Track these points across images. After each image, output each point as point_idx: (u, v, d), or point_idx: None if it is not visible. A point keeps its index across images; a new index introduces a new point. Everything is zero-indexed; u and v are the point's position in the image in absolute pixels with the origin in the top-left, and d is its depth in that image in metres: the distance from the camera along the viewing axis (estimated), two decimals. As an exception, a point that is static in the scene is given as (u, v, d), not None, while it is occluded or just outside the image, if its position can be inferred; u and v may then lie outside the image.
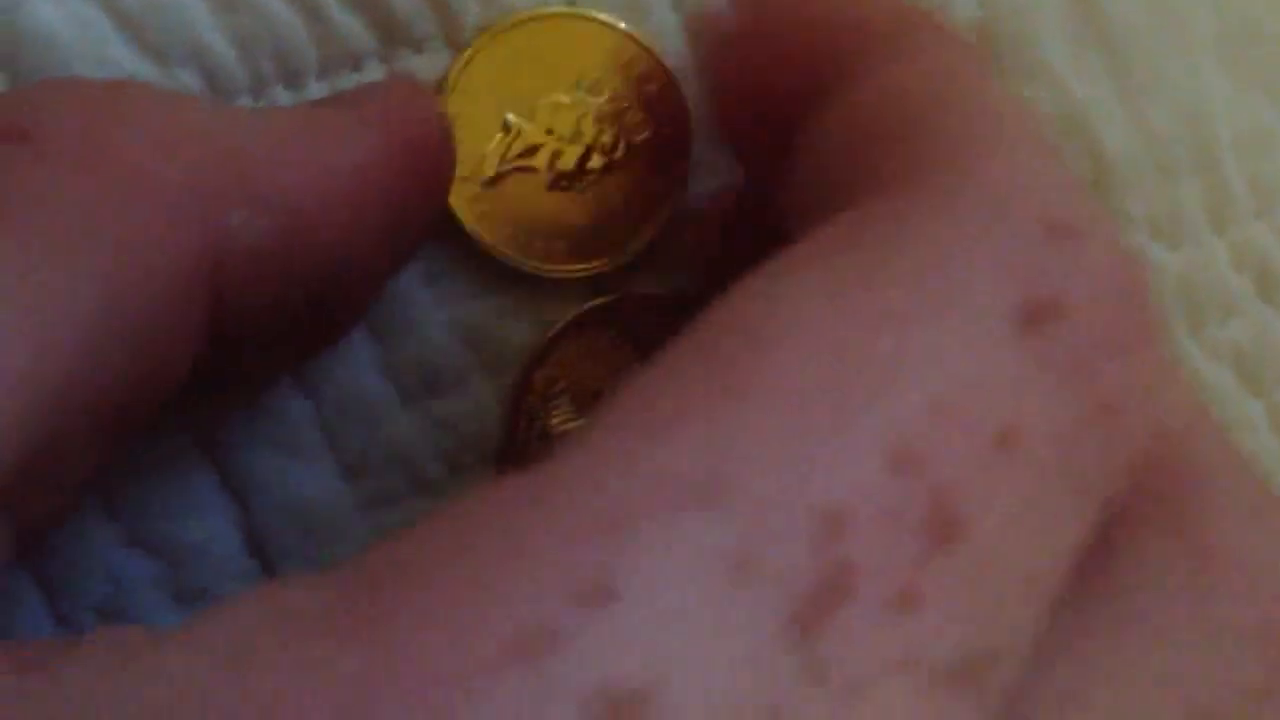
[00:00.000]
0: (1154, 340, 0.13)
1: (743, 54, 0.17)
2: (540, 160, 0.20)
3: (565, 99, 0.20)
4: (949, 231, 0.12)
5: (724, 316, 0.12)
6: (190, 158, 0.15)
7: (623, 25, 0.20)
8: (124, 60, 0.18)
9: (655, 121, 0.20)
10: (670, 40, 0.20)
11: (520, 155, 0.20)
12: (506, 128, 0.20)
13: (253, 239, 0.15)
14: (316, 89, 0.19)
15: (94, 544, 0.19)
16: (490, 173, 0.20)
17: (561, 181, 0.20)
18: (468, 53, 0.19)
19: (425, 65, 0.19)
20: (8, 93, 0.17)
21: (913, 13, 0.15)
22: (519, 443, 0.20)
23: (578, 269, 0.20)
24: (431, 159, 0.18)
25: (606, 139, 0.20)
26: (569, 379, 0.20)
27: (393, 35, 0.19)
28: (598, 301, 0.20)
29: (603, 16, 0.20)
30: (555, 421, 0.20)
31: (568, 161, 0.20)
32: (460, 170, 0.19)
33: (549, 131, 0.20)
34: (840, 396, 0.11)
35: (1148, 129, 0.21)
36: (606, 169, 0.20)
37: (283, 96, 0.19)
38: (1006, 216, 0.12)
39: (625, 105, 0.20)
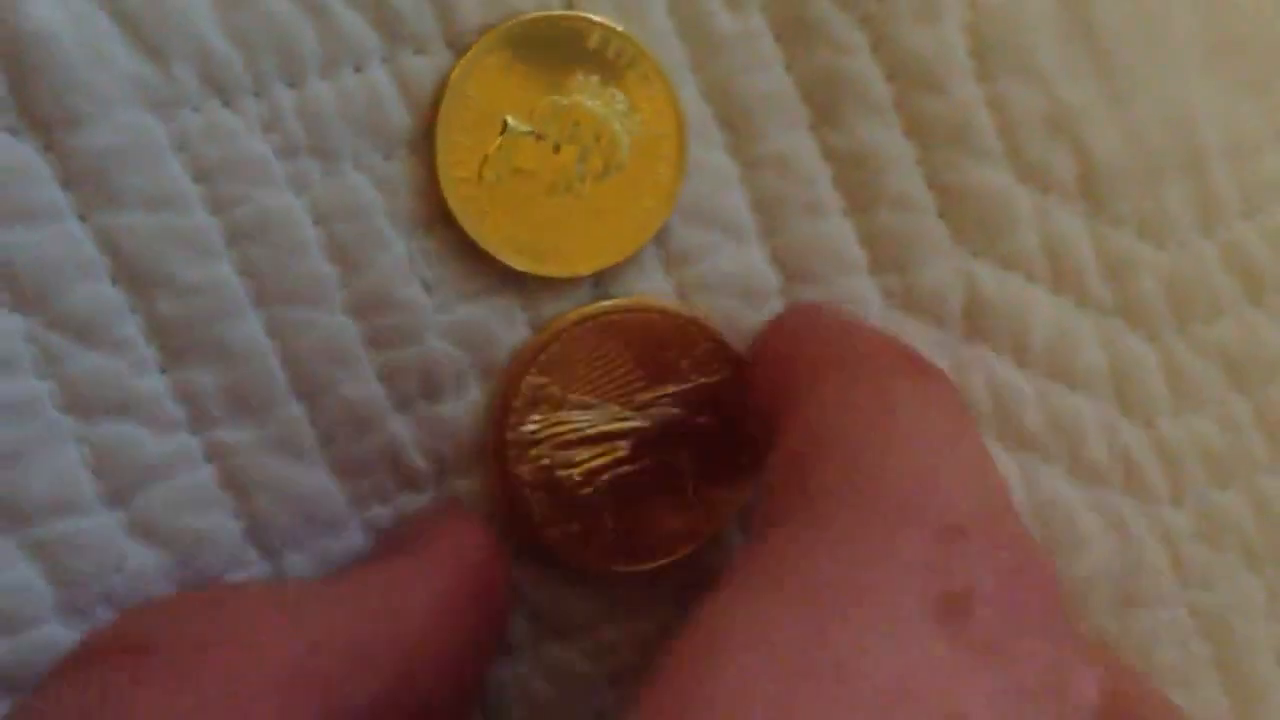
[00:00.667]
0: (1063, 616, 0.14)
1: (763, 358, 0.19)
2: (538, 161, 0.20)
3: (564, 100, 0.20)
4: (861, 547, 0.14)
5: (683, 645, 0.13)
6: (275, 656, 0.16)
7: (619, 27, 0.20)
8: (122, 58, 0.19)
9: (653, 123, 0.20)
10: (666, 43, 0.20)
11: (519, 157, 0.20)
12: (505, 129, 0.20)
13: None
14: (318, 88, 0.19)
15: (101, 535, 0.19)
16: (489, 174, 0.20)
17: (560, 183, 0.20)
18: (469, 54, 0.20)
19: (427, 66, 0.20)
20: (138, 610, 0.18)
21: (874, 344, 0.18)
22: (503, 445, 0.20)
23: (575, 271, 0.20)
24: (493, 591, 0.19)
25: (605, 140, 0.20)
26: (560, 383, 0.20)
27: (395, 34, 0.19)
28: (589, 307, 0.20)
29: (599, 18, 0.20)
30: (533, 428, 0.20)
31: (566, 163, 0.20)
32: (459, 171, 0.20)
33: (547, 133, 0.20)
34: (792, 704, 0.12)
35: (1134, 131, 0.21)
36: (604, 170, 0.20)
37: (285, 96, 0.19)
38: (909, 523, 0.14)
39: (624, 106, 0.20)
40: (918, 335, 0.21)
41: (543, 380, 0.20)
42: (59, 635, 0.19)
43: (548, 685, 0.21)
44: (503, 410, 0.20)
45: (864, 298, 0.21)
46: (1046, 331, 0.21)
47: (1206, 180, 0.21)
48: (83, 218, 0.19)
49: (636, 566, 0.21)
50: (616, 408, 0.20)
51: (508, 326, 0.20)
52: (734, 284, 0.21)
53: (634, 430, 0.21)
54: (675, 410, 0.21)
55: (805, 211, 0.21)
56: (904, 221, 0.21)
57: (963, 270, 0.21)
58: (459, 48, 0.20)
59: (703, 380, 0.21)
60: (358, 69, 0.19)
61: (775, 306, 0.21)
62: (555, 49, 0.20)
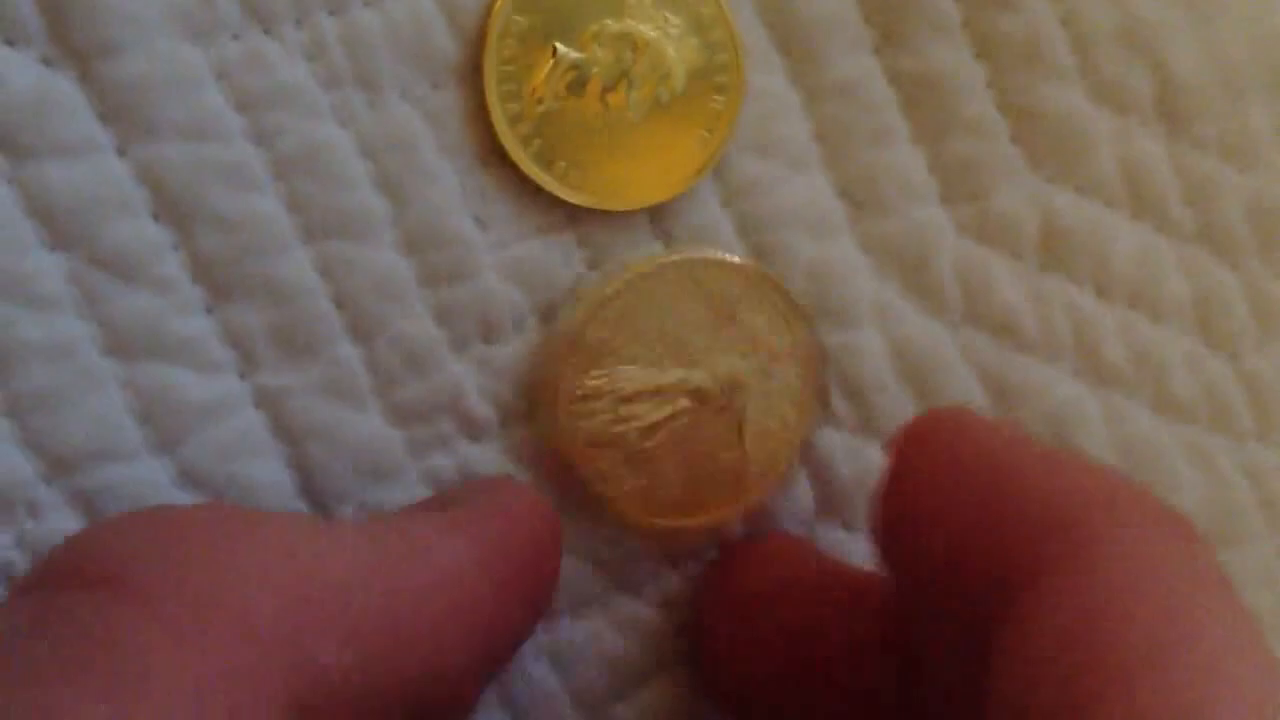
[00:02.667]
0: None
1: (923, 496, 0.15)
2: (592, 89, 0.19)
3: (616, 25, 0.19)
4: None
5: None
6: (279, 592, 0.14)
7: None
8: None
9: (709, 48, 0.20)
10: None
11: (570, 85, 0.19)
12: (555, 56, 0.19)
13: (341, 674, 0.15)
14: (362, 15, 0.19)
15: (146, 483, 0.19)
16: (540, 105, 0.19)
17: (613, 112, 0.19)
18: None
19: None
20: (97, 530, 0.16)
21: (1112, 488, 0.14)
22: (564, 400, 0.20)
23: (631, 205, 0.20)
24: (533, 565, 0.18)
25: (659, 67, 0.19)
26: (624, 336, 0.20)
27: None
28: (656, 258, 0.20)
29: None
30: (596, 382, 0.20)
31: (619, 90, 0.19)
32: (508, 102, 0.19)
33: (599, 59, 0.19)
34: None
35: (1216, 48, 0.20)
36: (659, 99, 0.19)
37: (327, 23, 0.19)
38: None
39: (678, 30, 0.19)
40: (994, 266, 0.20)
41: (606, 334, 0.20)
42: None
43: (618, 637, 0.20)
44: (564, 364, 0.20)
45: (937, 228, 0.20)
46: (1127, 260, 0.21)
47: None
48: (121, 151, 0.18)
49: (693, 520, 0.20)
50: (678, 362, 0.20)
51: (564, 264, 0.20)
52: (798, 217, 0.20)
53: (696, 385, 0.20)
54: (741, 364, 0.20)
55: (871, 139, 0.20)
56: (976, 148, 0.20)
57: (1039, 197, 0.20)
58: None
59: (772, 336, 0.20)
60: None
61: (843, 239, 0.20)
62: None
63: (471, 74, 0.19)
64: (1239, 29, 0.20)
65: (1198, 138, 0.21)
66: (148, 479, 0.19)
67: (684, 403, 0.20)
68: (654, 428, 0.20)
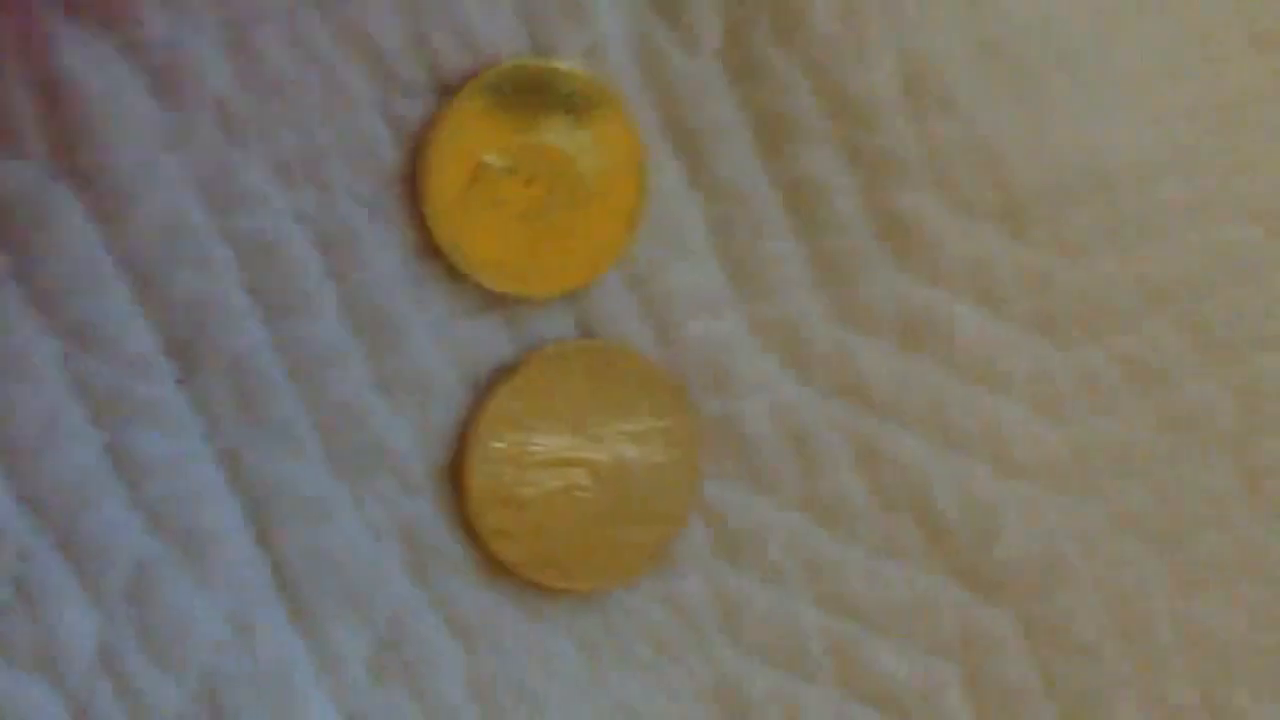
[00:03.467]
0: None
1: None
2: (513, 193, 0.21)
3: (535, 140, 0.21)
4: None
5: None
6: None
7: (584, 72, 0.21)
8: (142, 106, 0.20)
9: (617, 156, 0.21)
10: (628, 82, 0.21)
11: (496, 189, 0.21)
12: (483, 165, 0.21)
13: None
14: (320, 131, 0.21)
15: (118, 533, 0.21)
16: (470, 205, 0.21)
17: (532, 211, 0.21)
18: (454, 100, 0.21)
19: (416, 110, 0.21)
20: None
21: None
22: (471, 461, 0.21)
23: (549, 291, 0.22)
24: None
25: (571, 174, 0.21)
26: (528, 408, 0.21)
27: (389, 83, 0.21)
28: (562, 344, 0.22)
29: (566, 65, 0.21)
30: (501, 445, 0.21)
31: (537, 194, 0.21)
32: (442, 203, 0.21)
33: (520, 168, 0.21)
34: None
35: (1051, 152, 0.22)
36: (571, 200, 0.21)
37: (290, 137, 0.21)
38: None
39: (589, 141, 0.21)
40: (861, 346, 0.22)
41: (514, 404, 0.21)
42: (84, 623, 0.20)
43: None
44: (473, 428, 0.21)
45: (812, 312, 0.22)
46: (974, 342, 0.23)
47: (1116, 201, 0.23)
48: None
49: (576, 585, 0.22)
50: (577, 438, 0.21)
51: (491, 342, 0.22)
52: (692, 300, 0.22)
53: (589, 461, 0.22)
54: (630, 448, 0.22)
55: (758, 234, 0.22)
56: (846, 243, 0.22)
57: (899, 287, 0.22)
58: (443, 92, 0.21)
59: (657, 424, 0.22)
60: (354, 113, 0.21)
61: (729, 317, 0.22)
62: (529, 93, 0.21)
63: (410, 178, 0.21)
64: (1073, 132, 0.22)
65: (1035, 238, 0.23)
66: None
67: (581, 478, 0.22)
68: (549, 495, 0.22)
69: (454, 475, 0.22)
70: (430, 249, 0.21)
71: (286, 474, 0.21)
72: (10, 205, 0.19)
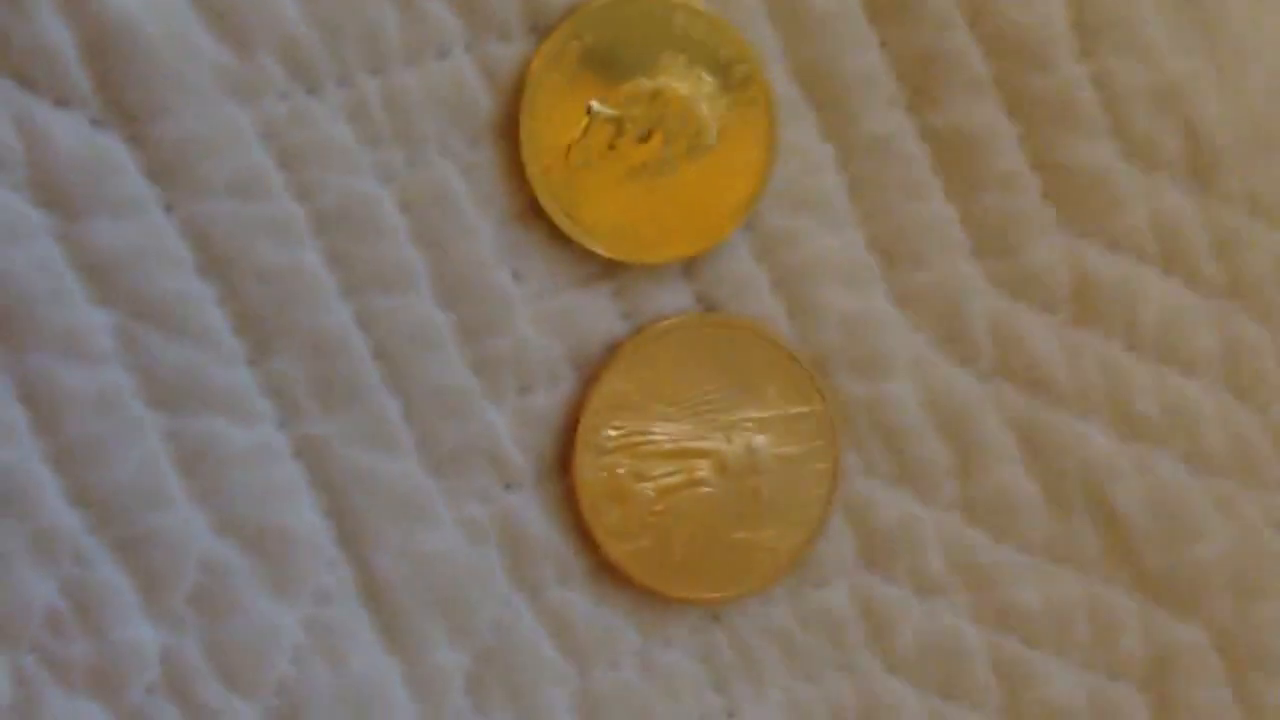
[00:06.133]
0: None
1: None
2: (624, 146, 0.20)
3: (649, 83, 0.20)
4: None
5: None
6: None
7: (704, 8, 0.20)
8: (206, 48, 0.19)
9: (742, 104, 0.20)
10: (755, 23, 0.20)
11: (604, 142, 0.20)
12: (590, 114, 0.20)
13: None
14: (403, 76, 0.20)
15: (185, 533, 0.20)
16: (575, 161, 0.20)
17: (646, 167, 0.20)
18: (551, 39, 0.20)
19: (510, 52, 0.20)
20: None
21: None
22: (580, 450, 0.20)
23: (663, 258, 0.20)
24: None
25: (692, 123, 0.20)
26: (644, 391, 0.20)
27: (478, 20, 0.20)
28: (683, 317, 0.21)
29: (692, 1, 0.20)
30: (613, 433, 0.20)
31: (652, 146, 0.20)
32: (544, 158, 0.20)
33: (632, 116, 0.20)
34: None
35: (1246, 103, 0.21)
36: (691, 154, 0.20)
37: (369, 84, 0.20)
38: None
39: (711, 87, 0.20)
40: (1027, 320, 0.21)
41: (626, 387, 0.20)
42: (146, 636, 0.20)
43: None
44: (582, 414, 0.20)
45: (969, 282, 0.21)
46: (1158, 314, 0.21)
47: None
48: (168, 208, 0.19)
49: (699, 595, 0.21)
50: (699, 425, 0.21)
51: (599, 317, 0.21)
52: (830, 270, 0.21)
53: (713, 452, 0.21)
54: (759, 437, 0.21)
55: (904, 194, 0.21)
56: (1008, 203, 0.21)
57: (1071, 252, 0.21)
58: (542, 33, 0.20)
59: (789, 410, 0.21)
60: (441, 56, 0.20)
61: (873, 289, 0.21)
62: (639, 31, 0.20)
63: (508, 131, 0.20)
64: (1269, 80, 0.21)
65: (1226, 193, 0.21)
66: (185, 528, 0.20)
67: (702, 471, 0.21)
68: (669, 490, 0.21)
69: (561, 468, 0.21)
70: (531, 211, 0.20)
71: (372, 468, 0.20)
72: (57, 159, 0.19)
